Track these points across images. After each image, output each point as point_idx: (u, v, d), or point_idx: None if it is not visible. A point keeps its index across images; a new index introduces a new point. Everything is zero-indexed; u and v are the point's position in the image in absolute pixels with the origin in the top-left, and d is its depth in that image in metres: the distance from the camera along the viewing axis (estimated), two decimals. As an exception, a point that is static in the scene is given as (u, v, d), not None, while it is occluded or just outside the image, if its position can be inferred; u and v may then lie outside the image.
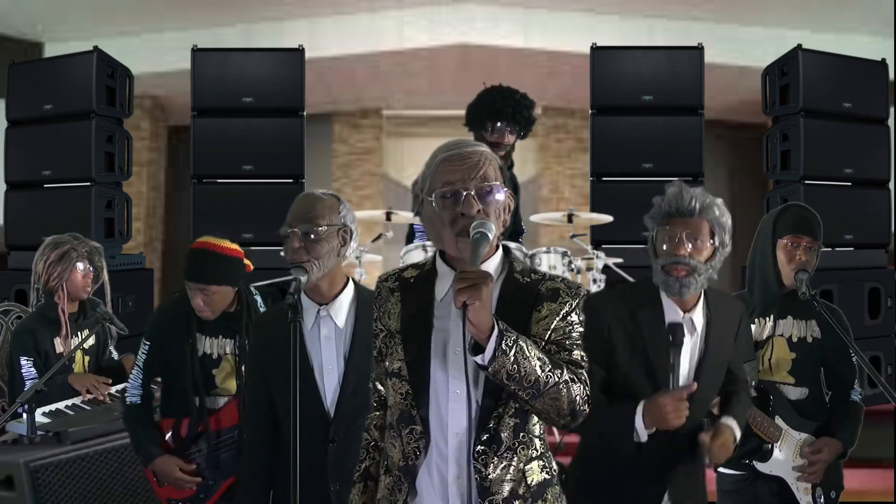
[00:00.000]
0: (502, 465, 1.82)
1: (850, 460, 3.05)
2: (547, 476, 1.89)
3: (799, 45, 5.21)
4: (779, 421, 2.88)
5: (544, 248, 4.78)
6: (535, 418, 1.85)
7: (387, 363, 1.90)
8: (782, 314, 2.93)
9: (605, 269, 4.80)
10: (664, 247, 2.36)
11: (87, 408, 3.40)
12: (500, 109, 4.49)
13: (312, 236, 2.39)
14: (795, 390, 2.92)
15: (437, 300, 1.87)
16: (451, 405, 1.82)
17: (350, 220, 2.48)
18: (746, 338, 2.67)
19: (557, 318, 1.83)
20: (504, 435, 1.82)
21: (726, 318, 2.48)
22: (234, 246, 2.96)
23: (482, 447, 1.81)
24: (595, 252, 4.85)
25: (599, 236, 5.22)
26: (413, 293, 1.89)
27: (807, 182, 5.11)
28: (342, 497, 2.30)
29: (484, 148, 1.88)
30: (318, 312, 2.44)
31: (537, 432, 1.87)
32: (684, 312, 2.40)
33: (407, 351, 1.85)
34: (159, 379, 3.06)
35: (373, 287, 2.36)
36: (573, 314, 1.85)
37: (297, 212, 2.44)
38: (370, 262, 5.11)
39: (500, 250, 1.91)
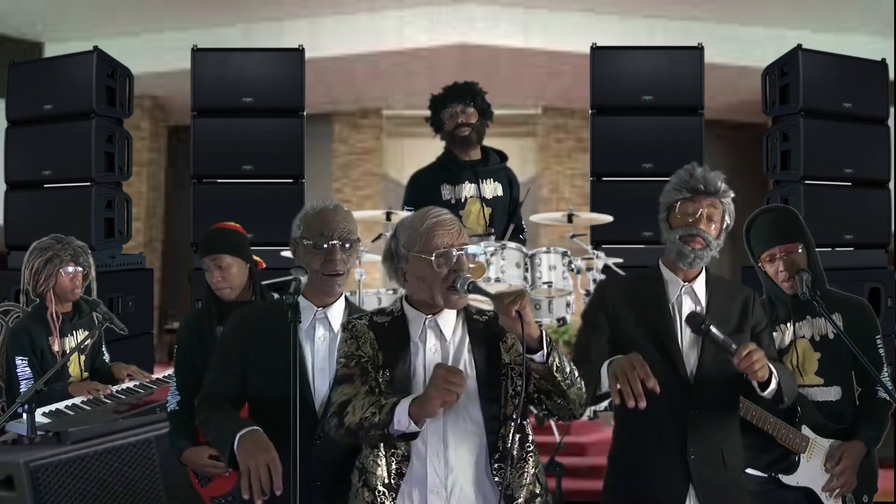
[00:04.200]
0: (518, 474, 2.14)
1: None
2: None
3: (799, 45, 5.21)
4: (806, 431, 2.83)
5: (544, 248, 4.77)
6: (529, 431, 2.17)
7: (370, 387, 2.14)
8: (799, 316, 2.91)
9: (605, 269, 4.80)
10: (687, 219, 2.48)
11: (87, 408, 3.40)
12: (454, 93, 4.54)
13: (349, 249, 2.50)
14: (827, 391, 2.88)
15: (412, 339, 2.18)
16: (430, 428, 2.09)
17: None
18: (764, 323, 2.58)
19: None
20: (515, 451, 2.14)
21: (729, 299, 2.52)
22: (238, 226, 3.15)
23: (499, 464, 2.11)
24: (595, 252, 4.84)
25: (599, 236, 5.22)
26: (389, 334, 2.19)
27: (807, 182, 5.11)
28: (325, 494, 2.36)
29: (454, 216, 2.22)
30: (315, 314, 2.50)
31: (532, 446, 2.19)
32: (685, 282, 2.50)
33: (394, 387, 2.12)
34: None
35: (370, 290, 2.41)
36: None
37: (336, 224, 2.49)
38: (370, 262, 5.10)
39: None
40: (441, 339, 2.18)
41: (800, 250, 2.90)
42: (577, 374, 2.10)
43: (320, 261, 2.47)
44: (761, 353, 2.31)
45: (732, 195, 2.53)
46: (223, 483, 2.96)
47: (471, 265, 2.17)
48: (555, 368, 2.04)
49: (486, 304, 2.36)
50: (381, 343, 2.17)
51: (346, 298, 2.60)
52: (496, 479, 2.10)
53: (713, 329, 2.36)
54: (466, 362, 2.15)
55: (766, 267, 2.92)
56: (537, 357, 2.03)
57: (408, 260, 2.19)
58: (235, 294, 3.03)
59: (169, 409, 3.08)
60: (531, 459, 2.17)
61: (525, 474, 2.14)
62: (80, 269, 3.59)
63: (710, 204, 2.50)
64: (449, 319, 2.19)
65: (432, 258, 2.14)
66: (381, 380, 2.14)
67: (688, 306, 2.48)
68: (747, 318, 2.51)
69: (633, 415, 2.24)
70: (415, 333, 2.18)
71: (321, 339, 2.48)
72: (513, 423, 2.12)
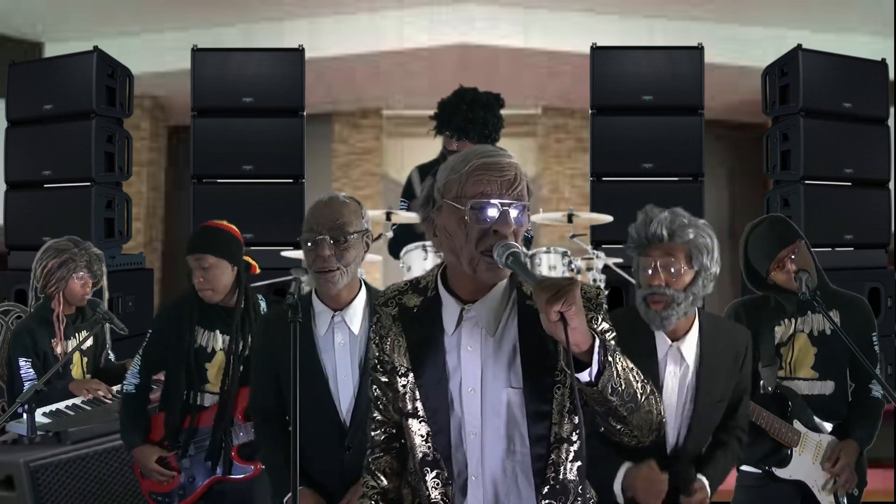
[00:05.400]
0: None
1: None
2: None
3: (799, 45, 5.21)
4: (797, 425, 2.86)
5: (544, 248, 4.77)
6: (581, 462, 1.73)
7: (400, 403, 1.79)
8: (801, 311, 2.92)
9: (605, 269, 4.80)
10: (642, 277, 2.31)
11: (87, 408, 3.40)
12: (450, 124, 4.48)
13: (343, 243, 2.34)
14: (822, 385, 2.90)
15: (447, 334, 1.74)
16: (468, 448, 1.73)
17: (369, 223, 2.46)
18: (751, 372, 2.55)
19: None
20: (571, 484, 1.71)
21: (725, 350, 2.39)
22: (232, 226, 3.01)
23: (549, 501, 1.69)
24: (595, 252, 4.84)
25: (599, 236, 5.22)
26: (418, 327, 1.76)
27: (807, 182, 5.11)
28: None
29: (517, 161, 1.72)
30: (332, 318, 2.41)
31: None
32: (673, 341, 2.36)
33: (424, 394, 1.74)
34: (161, 378, 3.06)
35: (375, 287, 2.33)
36: (601, 325, 1.71)
37: (324, 218, 2.36)
38: (370, 262, 5.11)
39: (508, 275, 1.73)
40: (482, 337, 1.71)
41: (802, 246, 2.91)
42: (646, 392, 1.63)
43: (312, 257, 2.36)
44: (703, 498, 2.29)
45: (694, 232, 2.27)
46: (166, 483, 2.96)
47: (514, 232, 1.65)
48: (608, 391, 1.56)
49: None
50: (407, 339, 1.76)
51: (367, 290, 2.46)
52: None
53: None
54: (512, 366, 1.69)
55: (777, 277, 2.90)
56: (583, 375, 1.55)
57: (440, 208, 1.70)
58: (218, 297, 2.93)
59: (125, 390, 3.01)
60: (589, 497, 1.78)
61: None
62: (92, 276, 3.59)
63: (664, 252, 2.27)
64: (492, 305, 1.70)
65: (466, 209, 1.65)
66: (408, 388, 1.76)
67: (671, 370, 2.34)
68: (733, 378, 2.40)
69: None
70: (449, 325, 1.73)
71: (341, 345, 2.41)
72: (571, 448, 1.69)
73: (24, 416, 3.13)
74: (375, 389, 1.86)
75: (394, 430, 1.88)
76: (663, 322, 2.29)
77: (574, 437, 1.69)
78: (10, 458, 3.03)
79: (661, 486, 2.25)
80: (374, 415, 1.88)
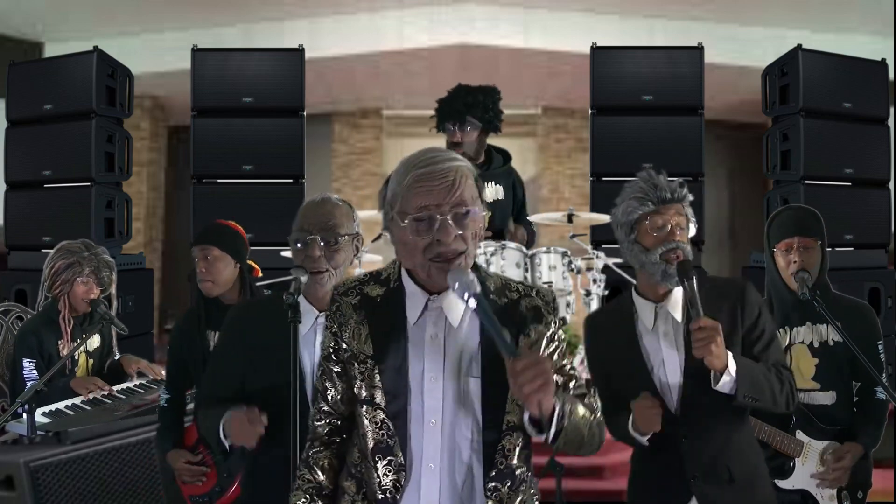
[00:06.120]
0: (518, 499, 1.79)
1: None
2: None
3: (799, 45, 5.21)
4: (800, 435, 2.84)
5: (544, 248, 4.78)
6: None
7: (355, 390, 1.80)
8: (800, 321, 2.89)
9: (605, 269, 4.80)
10: (655, 234, 2.30)
11: (87, 408, 3.40)
12: (451, 110, 4.48)
13: (333, 245, 2.34)
14: (823, 395, 2.88)
15: (409, 324, 1.78)
16: (426, 435, 1.76)
17: (360, 227, 2.45)
18: (763, 317, 2.39)
19: (546, 341, 1.81)
20: (518, 470, 1.79)
21: (716, 303, 2.32)
22: (240, 227, 3.07)
23: (494, 483, 1.76)
24: (595, 252, 4.85)
25: (599, 236, 5.22)
26: (381, 315, 1.80)
27: (807, 182, 5.11)
28: None
29: (460, 162, 1.74)
30: (316, 319, 2.39)
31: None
32: (657, 303, 2.34)
33: (384, 379, 1.77)
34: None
35: None
36: (557, 329, 1.84)
37: (316, 218, 2.36)
38: (370, 263, 5.11)
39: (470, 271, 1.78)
40: (445, 327, 1.77)
41: (817, 248, 2.89)
42: (592, 428, 1.79)
43: (301, 257, 2.35)
44: (716, 334, 2.13)
45: (690, 196, 2.38)
46: (202, 484, 2.97)
47: (460, 233, 1.71)
48: (561, 444, 1.71)
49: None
50: (370, 327, 1.79)
51: None
52: (489, 502, 1.76)
53: (694, 285, 2.21)
54: (473, 356, 1.76)
55: (778, 258, 2.89)
56: (541, 436, 1.71)
57: (392, 219, 1.77)
58: (219, 291, 2.95)
59: (160, 405, 3.08)
60: (534, 483, 1.84)
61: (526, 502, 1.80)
62: (98, 283, 3.57)
63: (677, 212, 2.33)
64: (458, 300, 1.74)
65: (404, 223, 1.72)
66: (367, 374, 1.78)
67: (664, 329, 2.33)
68: (736, 328, 2.32)
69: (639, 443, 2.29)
70: (412, 315, 1.78)
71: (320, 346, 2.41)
72: (519, 436, 1.77)
73: (24, 416, 3.12)
74: (325, 380, 1.86)
75: (338, 423, 1.87)
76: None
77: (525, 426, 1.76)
78: (10, 458, 3.02)
79: (653, 410, 2.24)
80: (321, 405, 1.87)
